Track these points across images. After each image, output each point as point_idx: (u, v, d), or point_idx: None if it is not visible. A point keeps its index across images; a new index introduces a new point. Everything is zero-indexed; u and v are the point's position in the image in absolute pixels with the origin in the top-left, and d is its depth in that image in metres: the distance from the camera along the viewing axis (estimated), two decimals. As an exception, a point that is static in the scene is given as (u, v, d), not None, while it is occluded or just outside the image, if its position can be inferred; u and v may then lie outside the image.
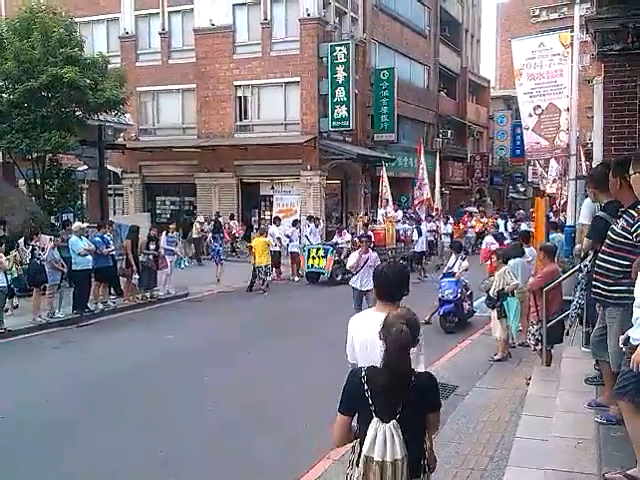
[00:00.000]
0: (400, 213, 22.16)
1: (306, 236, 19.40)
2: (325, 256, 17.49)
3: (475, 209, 29.93)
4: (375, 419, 2.96)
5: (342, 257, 17.71)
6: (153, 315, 13.70)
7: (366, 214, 23.58)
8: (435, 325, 11.41)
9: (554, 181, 23.75)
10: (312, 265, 17.67)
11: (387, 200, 22.39)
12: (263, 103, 26.28)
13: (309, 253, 17.74)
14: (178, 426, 6.82)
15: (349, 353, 3.68)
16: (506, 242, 14.60)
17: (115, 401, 7.68)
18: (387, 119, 28.63)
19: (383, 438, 2.92)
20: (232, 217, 24.30)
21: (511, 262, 9.17)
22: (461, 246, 12.31)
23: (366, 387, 2.99)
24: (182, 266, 16.23)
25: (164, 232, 15.99)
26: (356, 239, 19.29)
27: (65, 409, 7.37)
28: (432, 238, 22.11)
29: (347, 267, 10.93)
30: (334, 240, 18.82)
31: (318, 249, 17.70)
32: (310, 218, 20.76)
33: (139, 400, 7.71)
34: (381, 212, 21.88)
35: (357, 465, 3.01)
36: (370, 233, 18.88)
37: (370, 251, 10.87)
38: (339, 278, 17.38)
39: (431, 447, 3.23)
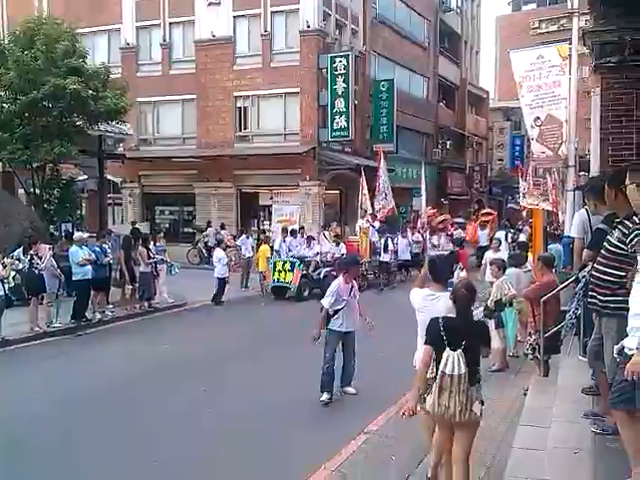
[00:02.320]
0: (377, 224, 20.97)
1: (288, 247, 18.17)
2: (292, 270, 16.39)
3: (462, 220, 27.81)
4: (447, 349, 4.48)
5: (310, 271, 16.86)
6: (151, 325, 13.69)
7: (339, 225, 22.26)
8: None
9: (524, 195, 23.91)
10: (278, 279, 16.66)
11: (365, 210, 21.49)
12: (263, 113, 26.37)
13: (275, 266, 16.74)
14: (174, 436, 6.80)
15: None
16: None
17: (112, 411, 7.66)
18: (386, 130, 28.71)
19: (452, 360, 4.45)
20: (223, 227, 24.35)
21: (508, 271, 9.19)
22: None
23: (442, 328, 4.55)
24: (173, 273, 16.28)
25: (152, 242, 15.96)
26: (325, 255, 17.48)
27: (62, 419, 7.35)
28: (418, 250, 21.10)
29: (325, 305, 7.87)
30: (301, 252, 17.66)
31: (285, 262, 16.70)
32: (294, 231, 19.33)
33: (137, 410, 7.70)
34: (358, 223, 20.94)
35: (435, 379, 4.53)
36: (342, 245, 18.17)
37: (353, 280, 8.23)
38: (306, 293, 16.53)
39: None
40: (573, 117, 14.52)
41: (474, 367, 4.53)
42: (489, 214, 25.52)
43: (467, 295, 4.62)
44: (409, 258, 20.16)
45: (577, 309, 6.69)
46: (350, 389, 8.26)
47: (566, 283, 7.62)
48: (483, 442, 6.18)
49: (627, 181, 4.23)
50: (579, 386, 6.04)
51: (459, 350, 4.45)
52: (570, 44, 14.88)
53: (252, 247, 19.24)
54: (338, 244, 18.14)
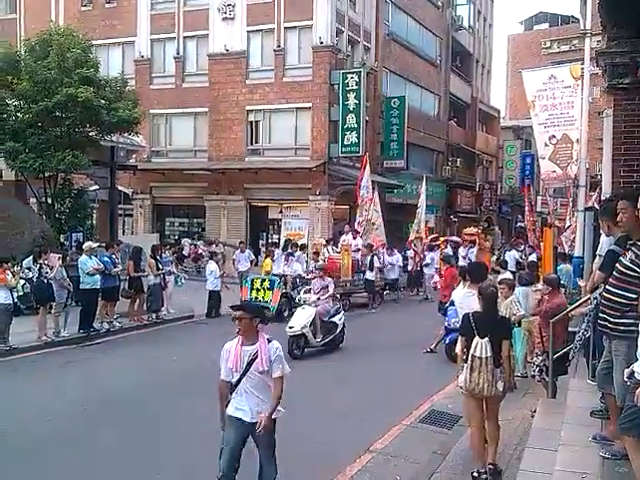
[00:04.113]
0: (360, 241, 19.61)
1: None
2: (271, 288, 15.16)
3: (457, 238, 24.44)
4: (477, 337, 5.57)
5: (289, 289, 15.94)
6: (159, 336, 13.68)
7: (328, 241, 20.65)
8: (440, 354, 11.32)
9: (529, 211, 23.81)
10: (256, 298, 15.23)
11: (375, 226, 20.15)
12: (274, 128, 26.51)
13: (252, 284, 15.45)
14: (181, 449, 6.77)
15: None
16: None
17: (117, 422, 7.64)
18: (397, 146, 28.79)
19: (482, 346, 5.53)
20: (200, 237, 24.55)
21: (517, 290, 9.14)
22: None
23: (472, 321, 5.68)
24: (179, 284, 16.32)
25: (160, 252, 16.01)
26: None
27: (66, 429, 7.33)
28: (412, 267, 20.69)
29: (221, 375, 5.31)
30: (281, 270, 16.79)
31: (264, 280, 15.52)
32: (291, 244, 18.76)
33: (141, 421, 7.67)
34: (342, 238, 19.99)
35: (466, 361, 5.63)
36: (321, 262, 16.75)
37: (261, 336, 5.04)
38: (286, 314, 15.09)
39: (509, 371, 5.87)
40: (585, 137, 14.51)
41: (498, 353, 5.57)
42: (472, 234, 24.65)
43: (494, 293, 5.92)
44: (397, 277, 19.55)
45: (586, 331, 6.65)
46: None
47: (576, 304, 7.57)
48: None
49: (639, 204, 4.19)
50: (588, 409, 5.98)
51: (486, 338, 5.54)
52: (582, 64, 14.92)
53: (250, 261, 18.77)
54: (318, 262, 16.91)
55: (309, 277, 16.59)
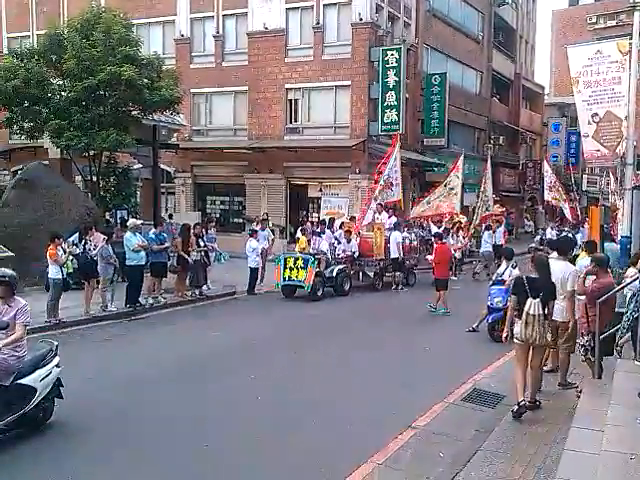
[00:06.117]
0: (394, 219, 19.11)
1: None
2: (305, 267, 15.09)
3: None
4: (530, 298, 6.75)
5: (322, 268, 15.65)
6: (202, 312, 13.92)
7: (351, 218, 20.02)
8: (483, 333, 11.28)
9: (550, 189, 23.08)
10: (289, 277, 15.29)
11: (454, 191, 20.03)
12: (313, 106, 26.39)
13: (285, 263, 15.34)
14: (224, 422, 6.93)
15: None
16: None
17: (163, 396, 7.84)
18: (437, 124, 28.42)
19: (534, 306, 6.72)
20: (170, 217, 24.42)
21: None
22: (512, 253, 12.07)
23: (526, 284, 6.85)
24: (222, 261, 16.53)
25: (204, 230, 16.26)
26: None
27: (113, 401, 7.56)
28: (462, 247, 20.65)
29: None
30: (311, 248, 16.33)
31: (297, 259, 15.32)
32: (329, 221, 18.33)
33: (186, 395, 7.85)
34: (375, 216, 18.75)
35: (520, 317, 6.79)
36: (354, 242, 16.91)
37: None
38: (320, 293, 15.37)
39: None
40: (632, 114, 14.10)
41: (546, 310, 6.76)
42: (498, 214, 24.48)
43: (545, 261, 7.06)
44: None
45: (635, 311, 6.54)
46: None
47: (625, 284, 7.44)
48: (534, 444, 6.12)
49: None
50: (635, 390, 5.90)
51: (538, 299, 6.72)
52: (630, 39, 14.44)
53: (270, 240, 18.30)
54: (349, 241, 17.10)
55: (341, 256, 16.78)
